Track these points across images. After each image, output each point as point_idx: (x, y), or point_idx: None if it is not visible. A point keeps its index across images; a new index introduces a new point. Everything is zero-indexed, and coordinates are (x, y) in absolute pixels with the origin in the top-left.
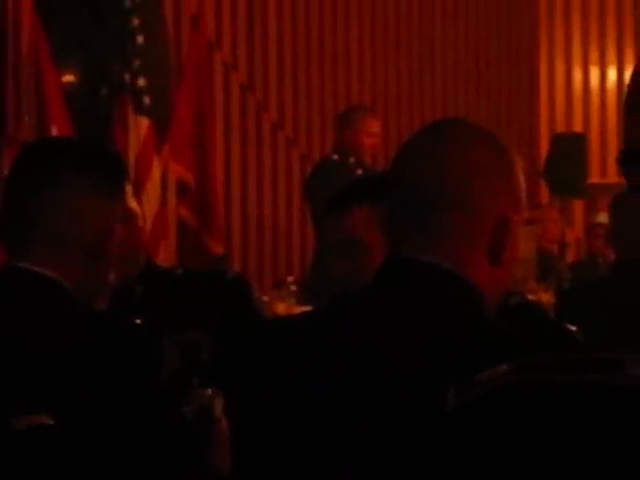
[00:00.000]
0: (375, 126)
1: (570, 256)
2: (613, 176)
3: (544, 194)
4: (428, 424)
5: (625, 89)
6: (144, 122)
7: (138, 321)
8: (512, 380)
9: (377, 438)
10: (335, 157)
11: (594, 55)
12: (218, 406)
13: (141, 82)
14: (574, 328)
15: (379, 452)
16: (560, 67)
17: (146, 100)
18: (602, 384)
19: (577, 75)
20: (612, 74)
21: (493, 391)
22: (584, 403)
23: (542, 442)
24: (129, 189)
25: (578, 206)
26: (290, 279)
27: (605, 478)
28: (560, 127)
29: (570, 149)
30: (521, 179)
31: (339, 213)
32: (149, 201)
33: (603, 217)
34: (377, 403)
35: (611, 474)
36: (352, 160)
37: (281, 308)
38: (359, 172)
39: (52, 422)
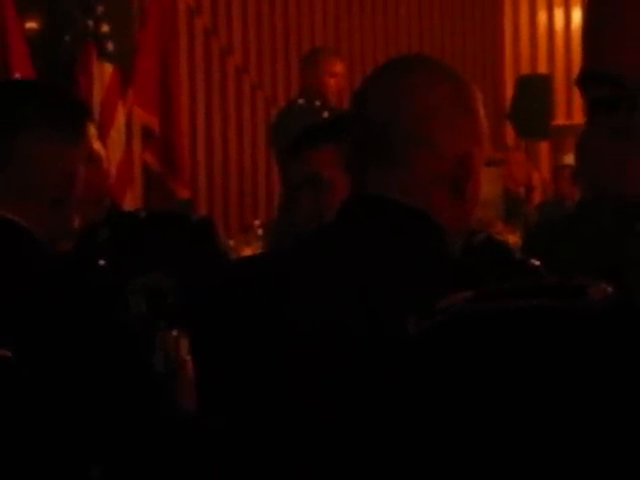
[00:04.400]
0: (338, 66)
1: (536, 198)
2: (579, 117)
3: (510, 136)
4: (390, 353)
5: None
6: (108, 68)
7: (103, 263)
8: (472, 306)
9: (340, 371)
10: (301, 101)
11: None
12: (183, 347)
13: (104, 28)
14: (538, 262)
15: (343, 385)
16: (524, 9)
17: (109, 46)
18: (565, 309)
19: (542, 16)
20: (577, 15)
21: (453, 317)
22: (545, 328)
23: (503, 366)
24: (93, 131)
25: (544, 148)
26: (257, 223)
27: (568, 401)
28: (525, 69)
29: (535, 91)
30: (482, 113)
31: (304, 151)
32: (114, 147)
33: (569, 158)
34: (340, 336)
35: (573, 397)
36: (318, 103)
37: (247, 252)
38: (325, 115)
39: (10, 355)
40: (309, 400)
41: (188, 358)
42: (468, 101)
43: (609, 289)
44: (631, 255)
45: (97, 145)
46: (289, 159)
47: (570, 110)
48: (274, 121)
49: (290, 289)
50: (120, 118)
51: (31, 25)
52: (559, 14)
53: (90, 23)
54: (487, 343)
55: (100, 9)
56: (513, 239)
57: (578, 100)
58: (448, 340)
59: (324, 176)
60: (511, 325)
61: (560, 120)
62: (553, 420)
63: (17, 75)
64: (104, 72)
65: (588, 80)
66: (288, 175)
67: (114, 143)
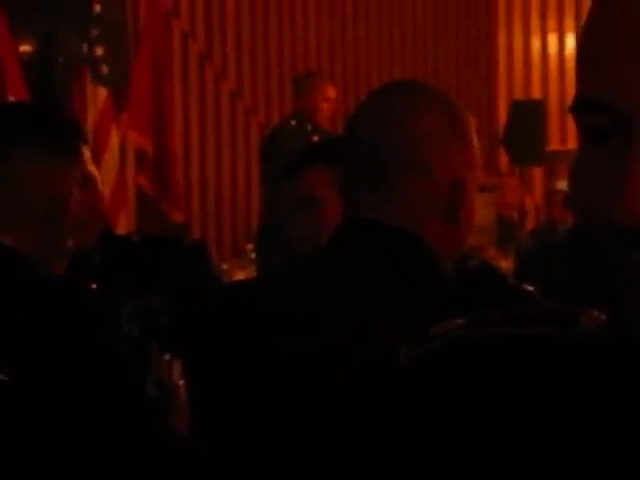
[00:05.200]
0: (331, 91)
1: (529, 223)
2: (572, 143)
3: (503, 161)
4: (383, 380)
5: None
6: (102, 91)
7: (95, 286)
8: (465, 333)
9: (332, 397)
10: (292, 123)
11: (552, 22)
12: (176, 371)
13: (99, 51)
14: (531, 288)
15: (334, 410)
16: (518, 33)
17: (104, 69)
18: (557, 337)
19: (535, 42)
20: (570, 41)
21: (445, 344)
22: (537, 356)
23: (495, 394)
24: (87, 153)
25: (538, 173)
26: (249, 247)
27: (558, 429)
28: (519, 94)
29: (529, 116)
30: (475, 139)
31: (299, 172)
32: (108, 170)
33: (562, 184)
34: (333, 362)
35: (562, 425)
36: (309, 127)
37: (240, 276)
38: (316, 138)
39: (7, 379)
40: (302, 426)
41: (181, 381)
42: (461, 127)
43: (602, 317)
44: (627, 282)
45: (91, 168)
46: (283, 179)
47: (564, 136)
48: (265, 140)
49: (283, 314)
50: (114, 141)
51: (25, 48)
52: (553, 40)
53: (84, 46)
54: (479, 371)
55: (95, 32)
56: (506, 264)
57: (572, 126)
58: (440, 367)
59: (318, 197)
60: (502, 353)
61: (554, 146)
62: (547, 449)
63: (11, 97)
64: (98, 95)
65: (582, 108)
66: (281, 195)
67: (108, 166)
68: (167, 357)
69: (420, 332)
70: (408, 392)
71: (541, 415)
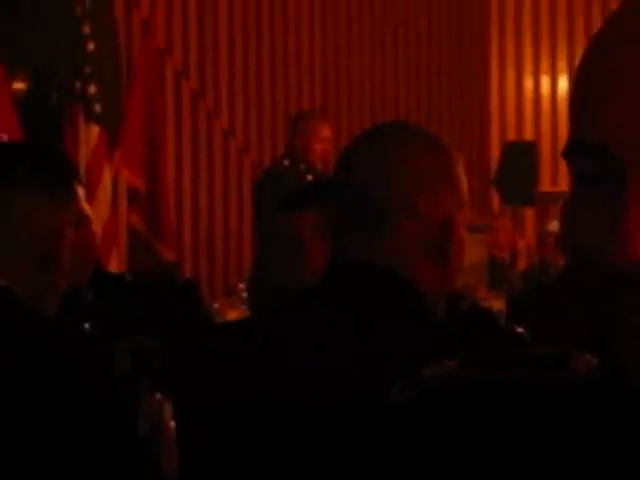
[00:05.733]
0: (326, 131)
1: (521, 264)
2: (564, 184)
3: (495, 201)
4: (375, 421)
5: None
6: (95, 129)
7: (87, 326)
8: (456, 376)
9: (322, 437)
10: (286, 162)
11: (545, 64)
12: (167, 410)
13: (92, 89)
14: (522, 329)
15: (323, 450)
16: (511, 75)
17: (97, 108)
18: (547, 380)
19: (528, 83)
20: (563, 83)
21: (437, 387)
22: (527, 399)
23: (485, 437)
24: (81, 191)
25: (529, 214)
26: (241, 286)
27: (548, 471)
28: (511, 135)
29: (521, 157)
30: (463, 178)
31: (289, 213)
32: (100, 208)
33: (554, 225)
34: (323, 401)
35: (553, 468)
36: (302, 166)
37: (232, 315)
38: (309, 178)
39: None
40: (292, 469)
41: (171, 422)
42: (451, 168)
43: (593, 360)
44: (620, 327)
45: (85, 206)
46: (273, 219)
47: (555, 177)
48: (258, 180)
49: (274, 356)
50: (106, 179)
51: (18, 85)
52: (545, 81)
53: (77, 84)
54: (470, 414)
55: (87, 70)
56: (497, 305)
57: (563, 167)
58: (432, 409)
59: (306, 238)
60: (493, 397)
61: (545, 187)
62: None
63: (3, 134)
64: (91, 133)
65: (574, 150)
66: (270, 234)
67: (100, 204)
68: (158, 396)
69: (412, 373)
70: (398, 432)
71: (530, 459)
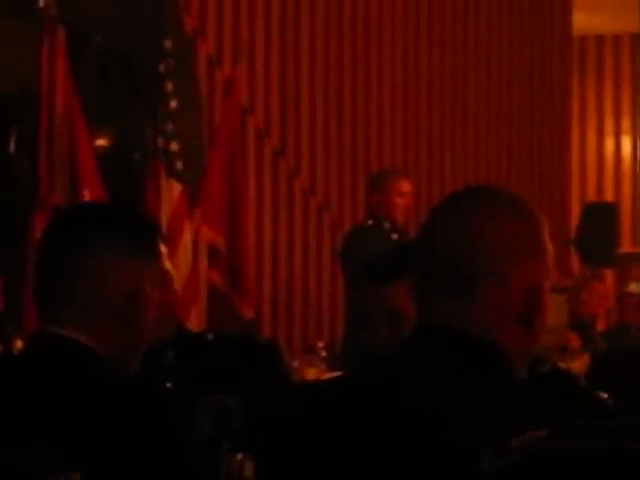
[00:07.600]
0: (406, 186)
1: (600, 325)
2: None
3: (575, 262)
4: None
5: None
6: (176, 187)
7: (169, 385)
8: (547, 446)
9: None
10: (370, 222)
11: (626, 123)
12: (248, 471)
13: (174, 147)
14: (605, 395)
15: None
16: (592, 135)
17: (178, 165)
18: (636, 451)
19: (609, 143)
20: None
21: (528, 457)
22: (618, 470)
23: None
24: (165, 250)
25: (609, 275)
26: (320, 345)
27: None
28: (591, 196)
29: (601, 218)
30: (549, 243)
31: (382, 284)
32: (180, 265)
33: (634, 286)
34: (411, 465)
35: None
36: (387, 225)
37: (311, 373)
38: (394, 236)
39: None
40: None
41: None
42: (538, 234)
43: None
44: None
45: (168, 265)
46: (367, 289)
47: (636, 238)
48: (344, 243)
49: (356, 419)
50: (187, 236)
51: (101, 142)
52: (626, 141)
53: (160, 141)
54: None
55: (170, 127)
56: (577, 365)
57: None
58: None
59: (401, 308)
60: (582, 467)
61: (626, 248)
62: None
63: (86, 192)
64: (172, 190)
65: None
66: (366, 303)
67: (180, 261)
68: (239, 457)
69: (503, 442)
70: None
71: None
